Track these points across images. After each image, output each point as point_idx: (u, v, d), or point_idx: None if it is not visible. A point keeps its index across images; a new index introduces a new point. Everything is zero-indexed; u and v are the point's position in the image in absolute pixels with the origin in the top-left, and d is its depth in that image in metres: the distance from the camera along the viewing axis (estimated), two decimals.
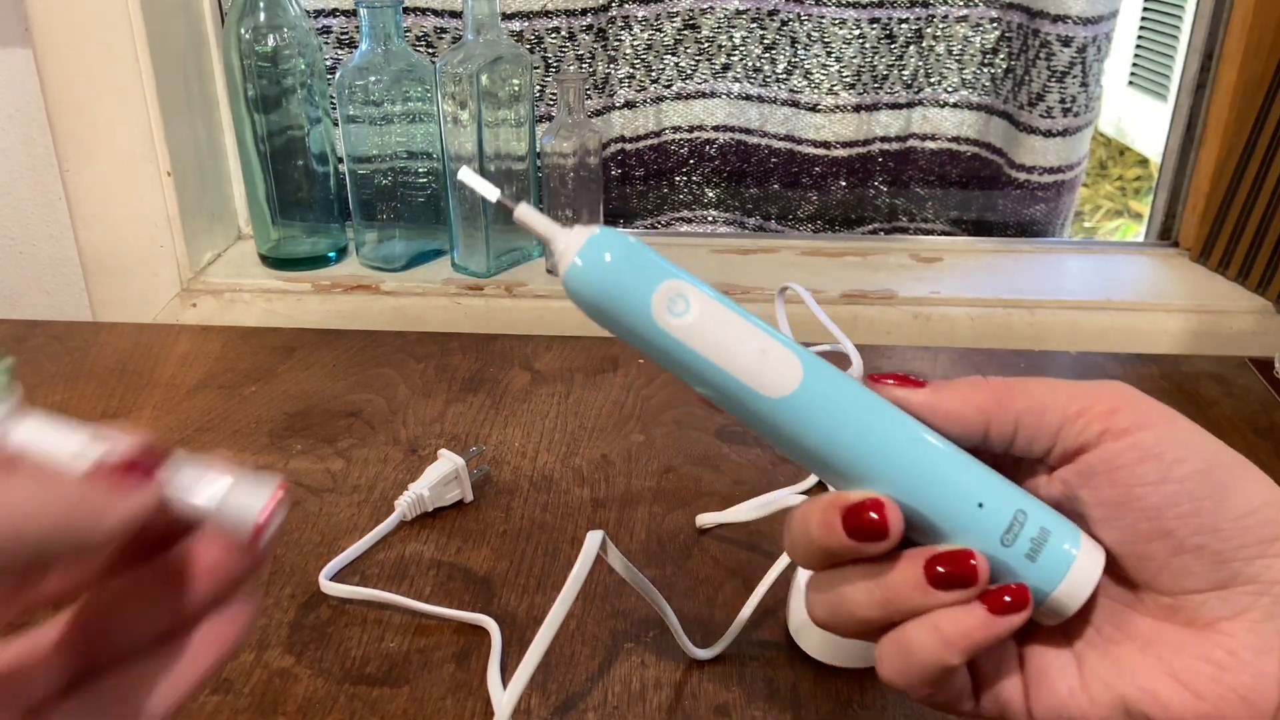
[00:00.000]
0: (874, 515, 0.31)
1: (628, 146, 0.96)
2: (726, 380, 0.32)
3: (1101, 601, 0.32)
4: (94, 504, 0.25)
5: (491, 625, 0.51)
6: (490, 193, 0.34)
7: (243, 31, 0.81)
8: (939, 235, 1.01)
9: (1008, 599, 0.31)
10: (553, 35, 0.90)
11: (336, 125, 0.87)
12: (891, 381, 0.33)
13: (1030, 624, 0.32)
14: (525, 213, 0.33)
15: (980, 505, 0.31)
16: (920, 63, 0.94)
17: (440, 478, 0.59)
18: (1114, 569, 0.32)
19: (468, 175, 0.35)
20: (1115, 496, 0.31)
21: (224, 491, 0.27)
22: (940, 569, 0.31)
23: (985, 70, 0.94)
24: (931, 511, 0.32)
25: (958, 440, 0.32)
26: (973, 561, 0.31)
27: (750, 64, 0.95)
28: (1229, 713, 0.29)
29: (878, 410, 0.32)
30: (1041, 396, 0.32)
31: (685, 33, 0.94)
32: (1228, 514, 0.30)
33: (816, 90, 0.94)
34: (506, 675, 0.49)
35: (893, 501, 0.31)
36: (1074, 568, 0.31)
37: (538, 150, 0.84)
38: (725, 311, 0.32)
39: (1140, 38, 2.51)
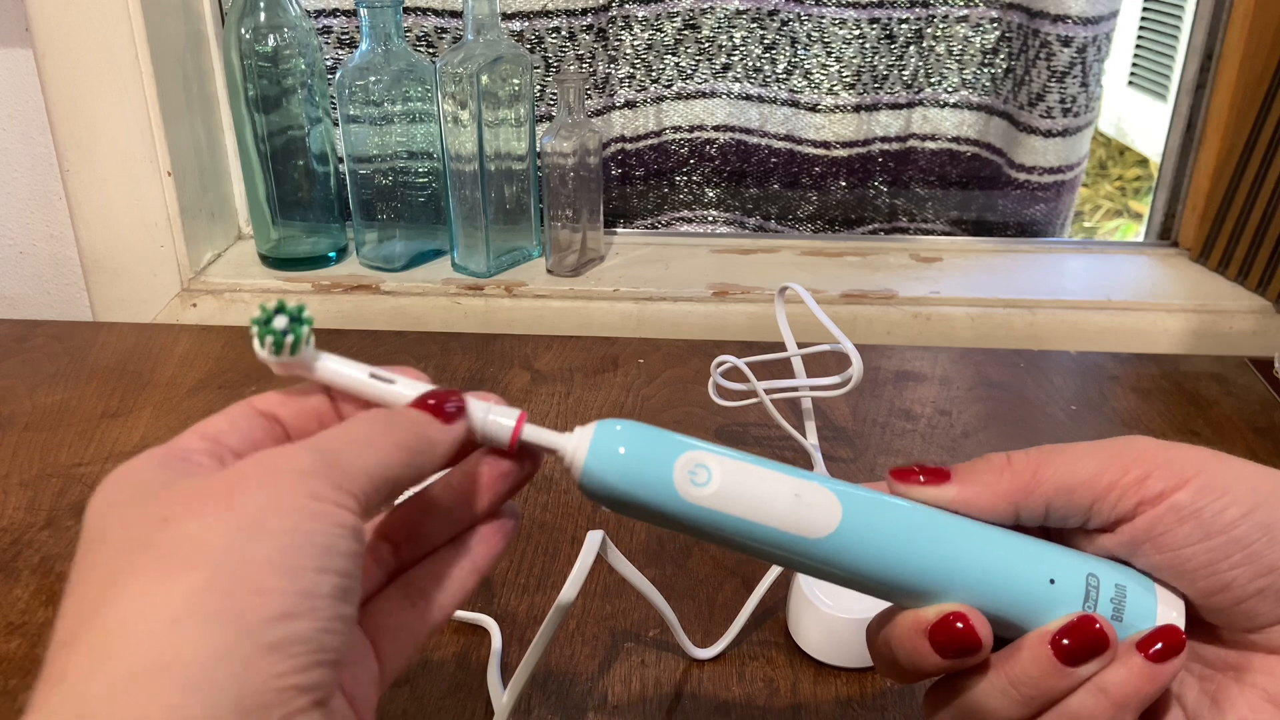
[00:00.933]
0: (960, 627, 0.30)
1: (628, 146, 0.96)
2: (768, 533, 0.32)
3: (1189, 642, 0.32)
4: (431, 437, 0.30)
5: (491, 625, 0.51)
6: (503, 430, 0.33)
7: (243, 31, 0.81)
8: (939, 235, 1.01)
9: (1160, 645, 0.30)
10: (553, 35, 0.90)
11: (336, 125, 0.87)
12: (918, 478, 0.32)
13: None
14: (531, 433, 0.33)
15: (1052, 582, 0.31)
16: (920, 63, 0.94)
17: (440, 477, 0.59)
18: (1190, 613, 0.32)
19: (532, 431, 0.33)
20: (1165, 561, 0.31)
21: (484, 415, 0.32)
22: (1067, 642, 0.30)
23: (985, 70, 0.94)
24: (1010, 605, 0.31)
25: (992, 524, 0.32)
26: (1097, 625, 0.30)
27: (750, 64, 0.95)
28: None
29: (922, 521, 0.32)
30: (1068, 475, 0.31)
31: (685, 32, 0.94)
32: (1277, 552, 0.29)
33: (816, 90, 0.94)
34: (506, 675, 0.49)
35: (972, 608, 0.31)
36: (1159, 614, 0.31)
37: (538, 150, 0.84)
38: (748, 467, 0.32)
39: (1140, 38, 2.51)
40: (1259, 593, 0.30)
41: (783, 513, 0.31)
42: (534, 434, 0.33)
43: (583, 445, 0.32)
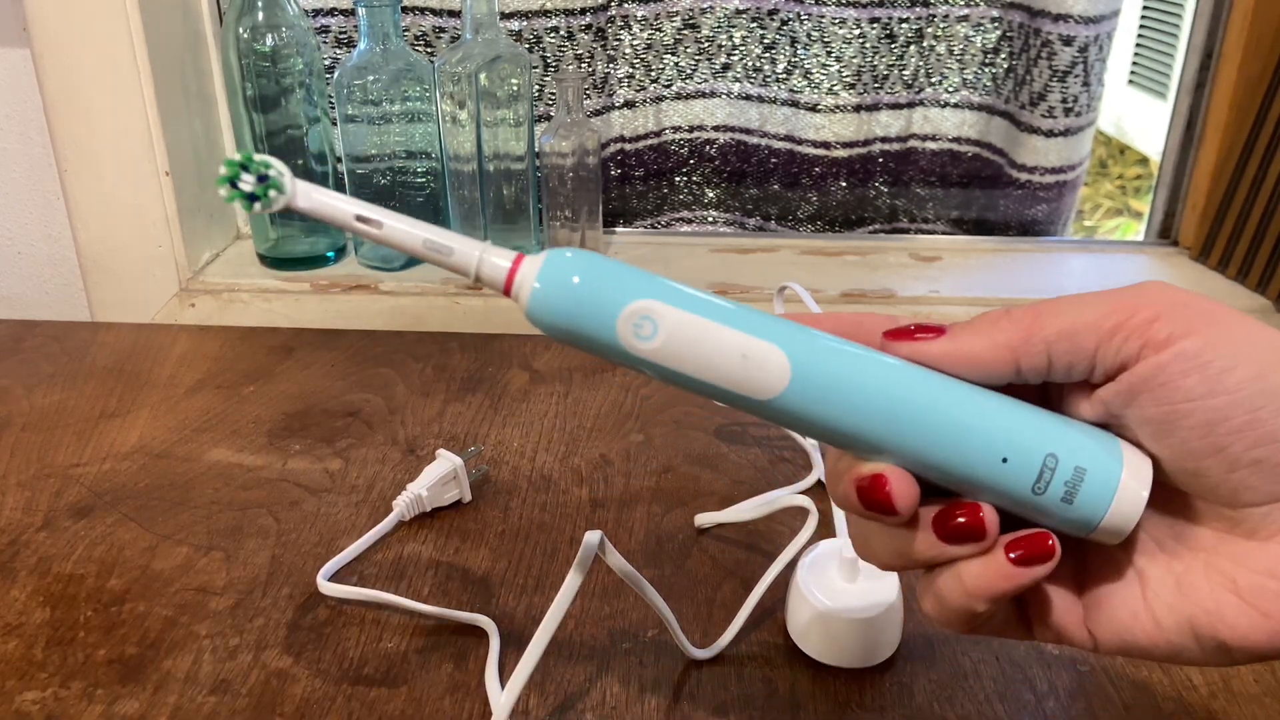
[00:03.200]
0: (884, 489, 0.30)
1: (627, 146, 0.96)
2: (713, 390, 0.31)
3: (1159, 515, 0.31)
4: None
5: (490, 625, 0.51)
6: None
7: (241, 31, 0.81)
8: (940, 235, 1.00)
9: (1023, 551, 0.30)
10: (552, 35, 0.90)
11: (335, 125, 0.87)
12: (912, 335, 0.31)
13: (1086, 545, 0.31)
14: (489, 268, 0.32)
15: (1005, 460, 0.30)
16: (921, 63, 0.94)
17: (438, 478, 0.59)
18: (1169, 483, 0.30)
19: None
20: (1161, 415, 0.29)
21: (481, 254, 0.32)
22: (949, 522, 0.30)
23: (986, 70, 0.94)
24: (955, 473, 0.31)
25: (987, 383, 0.31)
26: (981, 514, 0.30)
27: (750, 64, 0.95)
28: None
29: (882, 378, 0.31)
30: (1072, 317, 0.29)
31: (685, 32, 0.94)
32: None
33: (817, 90, 0.94)
34: (505, 675, 0.49)
35: (902, 473, 0.31)
36: (1117, 498, 0.30)
37: (536, 150, 0.84)
38: (696, 322, 0.31)
39: (1140, 37, 2.51)
40: (1254, 463, 0.28)
41: (729, 372, 0.31)
42: (491, 269, 0.32)
43: (532, 270, 0.31)
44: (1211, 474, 0.29)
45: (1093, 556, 0.32)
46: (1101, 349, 0.29)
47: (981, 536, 0.30)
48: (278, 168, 0.31)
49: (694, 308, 0.31)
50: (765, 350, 0.31)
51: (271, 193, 0.31)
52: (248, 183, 0.30)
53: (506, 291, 0.31)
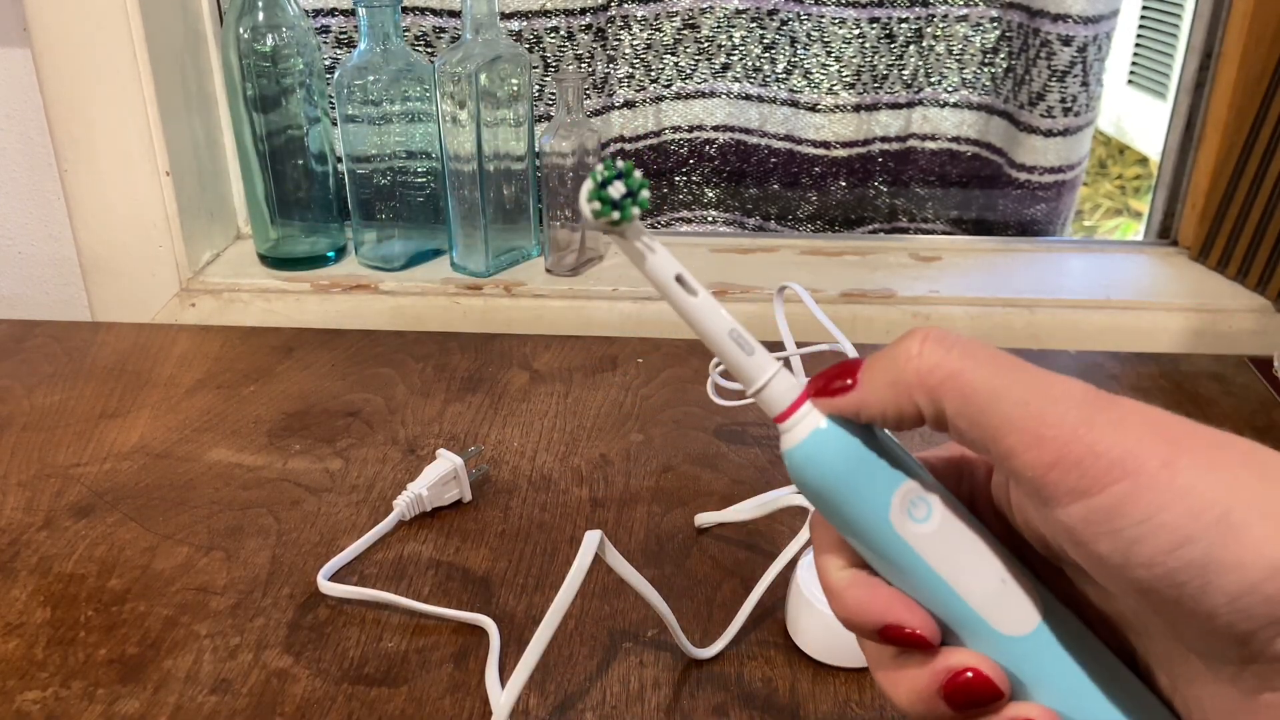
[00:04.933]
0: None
1: (627, 146, 0.96)
2: (958, 606, 0.28)
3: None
4: None
5: (490, 625, 0.51)
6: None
7: (241, 31, 0.81)
8: (939, 235, 1.00)
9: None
10: (551, 35, 0.90)
11: (335, 125, 0.87)
12: (822, 384, 0.28)
13: None
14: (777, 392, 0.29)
15: None
16: (920, 62, 0.94)
17: (439, 477, 0.59)
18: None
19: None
20: (1089, 569, 0.25)
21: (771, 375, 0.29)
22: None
23: (985, 70, 0.94)
24: None
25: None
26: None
27: (750, 64, 0.95)
28: None
29: (1100, 663, 0.28)
30: (977, 405, 0.25)
31: (685, 32, 0.94)
32: (1218, 600, 0.22)
33: (816, 90, 0.94)
34: (505, 675, 0.49)
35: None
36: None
37: (537, 150, 0.84)
38: (966, 526, 0.28)
39: (1140, 36, 2.51)
40: (1197, 638, 0.24)
41: (983, 592, 0.28)
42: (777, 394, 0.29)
43: (807, 424, 0.28)
44: (1157, 634, 0.27)
45: None
46: (995, 462, 0.26)
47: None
48: (646, 193, 0.28)
49: (963, 513, 0.29)
50: (1024, 584, 0.28)
51: (634, 210, 0.28)
52: (617, 190, 0.27)
53: (782, 418, 0.29)
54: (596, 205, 0.27)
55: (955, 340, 0.26)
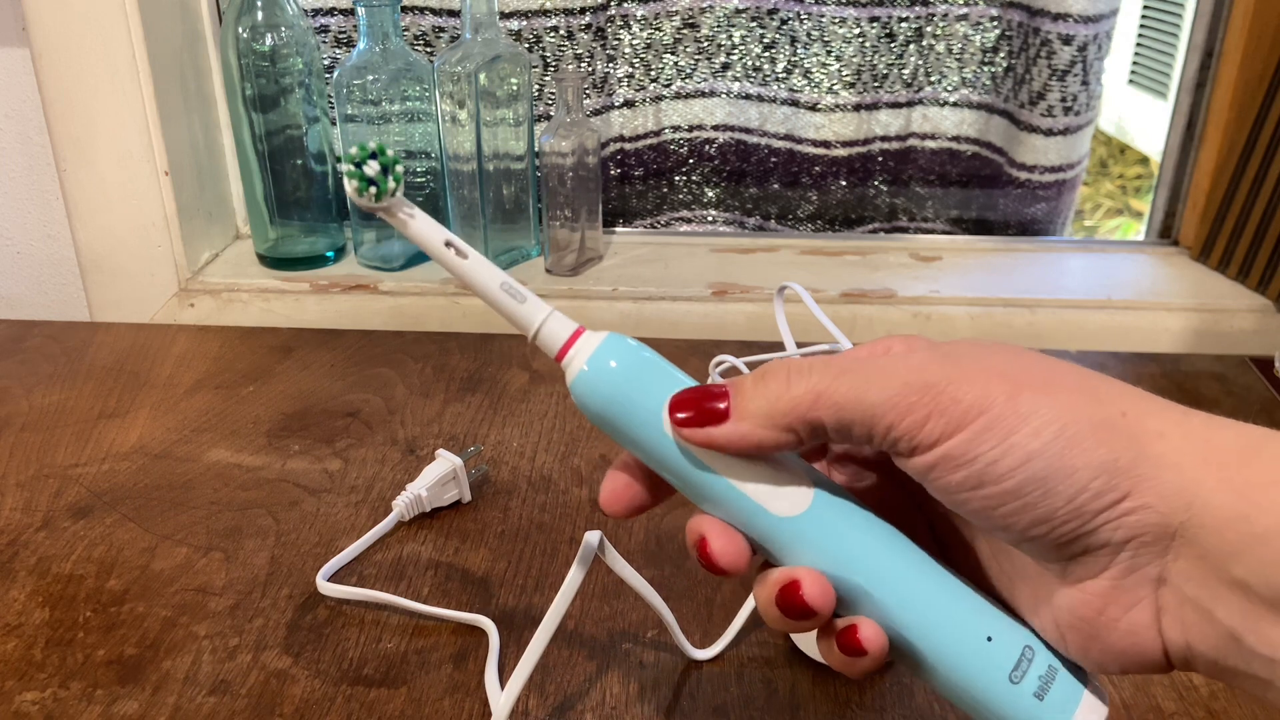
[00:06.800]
0: (855, 636, 0.31)
1: (627, 146, 0.96)
2: (737, 498, 0.31)
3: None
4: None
5: (489, 626, 0.51)
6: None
7: (240, 30, 0.81)
8: (940, 235, 1.00)
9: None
10: (551, 34, 0.90)
11: (334, 124, 0.87)
12: (701, 420, 0.31)
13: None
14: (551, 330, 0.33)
15: (989, 639, 0.31)
16: (920, 61, 0.94)
17: (438, 478, 0.59)
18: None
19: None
20: (946, 500, 0.30)
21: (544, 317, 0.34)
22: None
23: (986, 69, 0.94)
24: (940, 643, 0.31)
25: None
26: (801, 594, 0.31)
27: (750, 63, 0.95)
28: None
29: (884, 538, 0.32)
30: (851, 411, 0.30)
31: (684, 32, 0.94)
32: (1057, 502, 0.28)
33: (816, 89, 0.94)
34: (504, 676, 0.49)
35: (873, 623, 0.31)
36: (1083, 703, 0.31)
37: (536, 150, 0.84)
38: None
39: (1140, 36, 2.50)
40: (1035, 539, 0.29)
41: (760, 481, 0.31)
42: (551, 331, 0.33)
43: (585, 351, 0.32)
44: (1004, 545, 0.32)
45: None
46: (876, 442, 0.30)
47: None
48: (400, 168, 0.31)
49: None
50: (797, 473, 0.32)
51: (390, 183, 0.30)
52: (372, 169, 0.30)
53: (561, 356, 0.33)
54: (356, 184, 0.30)
55: (811, 364, 0.31)
